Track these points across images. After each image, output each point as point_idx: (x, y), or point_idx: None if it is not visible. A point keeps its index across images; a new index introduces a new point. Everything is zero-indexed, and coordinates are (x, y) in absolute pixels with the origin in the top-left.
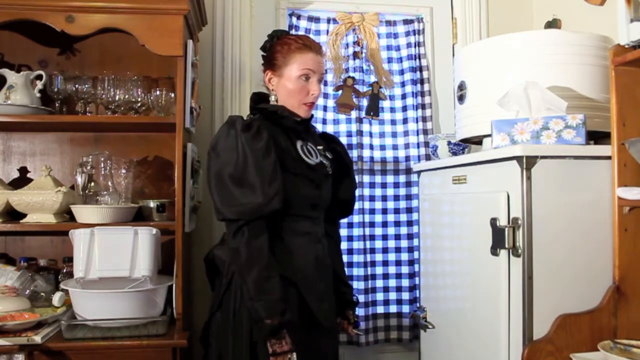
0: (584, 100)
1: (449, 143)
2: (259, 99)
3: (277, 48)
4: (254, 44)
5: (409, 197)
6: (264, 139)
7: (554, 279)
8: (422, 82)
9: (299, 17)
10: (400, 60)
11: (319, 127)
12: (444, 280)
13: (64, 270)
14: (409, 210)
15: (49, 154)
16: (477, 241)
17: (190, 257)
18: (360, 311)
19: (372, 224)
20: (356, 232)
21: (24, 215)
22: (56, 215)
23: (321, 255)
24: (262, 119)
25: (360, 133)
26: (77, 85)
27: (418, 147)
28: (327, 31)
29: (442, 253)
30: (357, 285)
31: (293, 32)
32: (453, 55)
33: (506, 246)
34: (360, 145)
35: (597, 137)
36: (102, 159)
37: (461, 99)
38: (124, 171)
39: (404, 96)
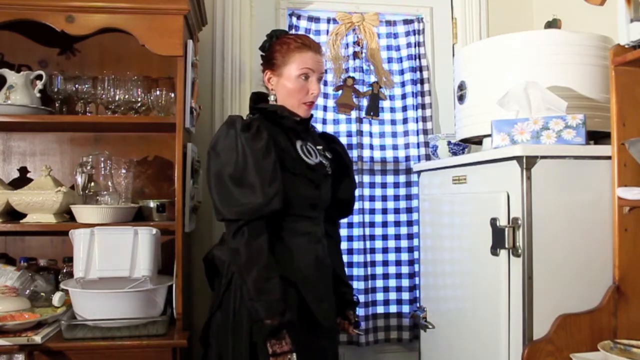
0: (584, 100)
1: (449, 143)
2: (259, 99)
3: (276, 48)
4: (254, 44)
5: (409, 197)
6: (263, 138)
7: (554, 279)
8: (422, 82)
9: (299, 17)
10: (400, 60)
11: (319, 127)
12: (444, 280)
13: (64, 270)
14: (409, 210)
15: (49, 154)
16: (477, 241)
17: (190, 257)
18: (360, 311)
19: (372, 224)
20: (356, 232)
21: (24, 215)
22: (56, 215)
23: (321, 255)
24: (261, 118)
25: (360, 133)
26: (77, 85)
27: (418, 147)
28: (327, 31)
29: (442, 253)
30: (357, 285)
31: (293, 32)
32: (453, 55)
33: (506, 246)
34: (360, 145)
35: (597, 137)
36: (102, 159)
37: (461, 99)
38: (124, 171)
39: (404, 96)
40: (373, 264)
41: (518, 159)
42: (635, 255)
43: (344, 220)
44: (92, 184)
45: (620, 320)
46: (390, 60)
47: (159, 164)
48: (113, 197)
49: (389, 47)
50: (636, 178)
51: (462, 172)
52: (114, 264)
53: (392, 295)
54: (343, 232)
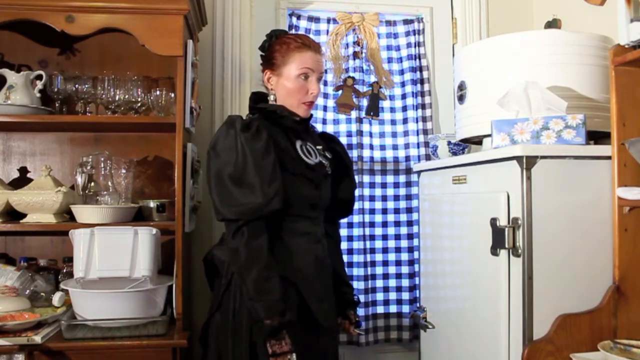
0: (584, 100)
1: (449, 143)
2: (258, 99)
3: (275, 47)
4: (254, 44)
5: (409, 197)
6: (263, 138)
7: (554, 279)
8: (422, 82)
9: (299, 17)
10: (400, 60)
11: (319, 127)
12: (444, 280)
13: (64, 270)
14: (409, 210)
15: (49, 154)
16: (477, 241)
17: (190, 257)
18: (360, 311)
19: (372, 224)
20: (356, 232)
21: (24, 215)
22: (56, 215)
23: (321, 255)
24: (261, 118)
25: (360, 133)
26: (77, 85)
27: (418, 147)
28: (327, 31)
29: (442, 253)
30: (357, 285)
31: (293, 32)
32: (453, 55)
33: (506, 246)
34: (360, 145)
35: (597, 137)
36: (102, 159)
37: (461, 99)
38: (124, 171)
39: (404, 96)
40: (373, 264)
41: (518, 159)
42: (635, 255)
43: (344, 220)
44: (92, 184)
45: (620, 320)
46: (390, 60)
47: (159, 164)
48: (113, 197)
49: (389, 47)
50: (636, 178)
51: (462, 172)
52: (114, 264)
53: (392, 295)
54: (343, 232)
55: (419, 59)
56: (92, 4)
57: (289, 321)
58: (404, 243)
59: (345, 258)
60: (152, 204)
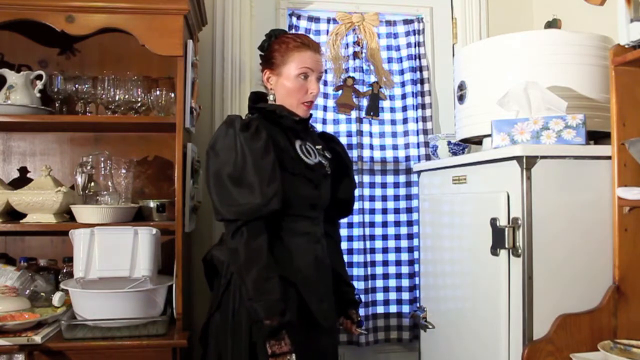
0: (584, 100)
1: (449, 143)
2: (258, 99)
3: (275, 47)
4: (254, 44)
5: (409, 197)
6: (262, 138)
7: (554, 279)
8: (422, 82)
9: (299, 17)
10: (400, 60)
11: (319, 127)
12: (444, 280)
13: (64, 270)
14: (409, 210)
15: (49, 154)
16: (477, 241)
17: (190, 257)
18: (360, 311)
19: (372, 224)
20: (356, 232)
21: (24, 215)
22: (56, 215)
23: (320, 255)
24: (260, 118)
25: (360, 133)
26: (77, 85)
27: (418, 147)
28: (327, 31)
29: (442, 253)
30: (357, 285)
31: (292, 32)
32: (453, 55)
33: (506, 246)
34: (360, 145)
35: (597, 137)
36: (102, 159)
37: (461, 99)
38: (124, 171)
39: (404, 96)
40: (373, 264)
41: (518, 159)
42: (635, 255)
43: (344, 220)
44: (92, 184)
45: (620, 320)
46: (390, 60)
47: (159, 164)
48: (113, 197)
49: (389, 47)
50: (636, 178)
51: (462, 172)
52: (114, 264)
53: (392, 295)
54: (343, 232)
55: (419, 59)
56: (92, 4)
57: (288, 321)
58: (404, 243)
59: (345, 258)
60: (152, 204)
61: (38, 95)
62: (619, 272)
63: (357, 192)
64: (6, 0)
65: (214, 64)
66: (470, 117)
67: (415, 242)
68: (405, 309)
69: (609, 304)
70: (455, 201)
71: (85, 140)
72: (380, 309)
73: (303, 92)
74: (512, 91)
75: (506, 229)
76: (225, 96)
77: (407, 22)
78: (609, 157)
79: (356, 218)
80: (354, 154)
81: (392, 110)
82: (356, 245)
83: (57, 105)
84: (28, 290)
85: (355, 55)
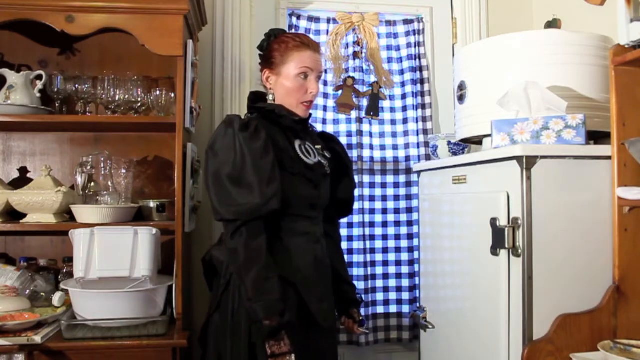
0: (584, 100)
1: (449, 143)
2: (257, 98)
3: (274, 47)
4: (254, 44)
5: (409, 197)
6: (262, 138)
7: (554, 279)
8: (422, 82)
9: (299, 17)
10: (400, 60)
11: (319, 127)
12: (444, 280)
13: (64, 270)
14: (409, 210)
15: (49, 154)
16: (477, 241)
17: (190, 257)
18: (360, 311)
19: (372, 224)
20: (356, 232)
21: (24, 215)
22: (56, 215)
23: (320, 255)
24: (260, 118)
25: (360, 133)
26: (77, 85)
27: (418, 147)
28: (327, 31)
29: (442, 253)
30: (357, 285)
31: (292, 32)
32: (453, 55)
33: (506, 246)
34: (360, 145)
35: (597, 137)
36: (102, 159)
37: (461, 99)
38: (124, 171)
39: (404, 96)
40: (373, 264)
41: (518, 159)
42: (635, 255)
43: (344, 220)
44: (92, 184)
45: (620, 320)
46: (390, 60)
47: (159, 164)
48: (113, 197)
49: (389, 47)
50: (636, 178)
51: (462, 172)
52: (114, 264)
53: (392, 295)
54: (343, 232)
55: (419, 59)
56: (92, 4)
57: (288, 322)
58: (404, 243)
59: (345, 258)
60: (152, 204)
61: (38, 95)
62: (619, 272)
63: (357, 192)
64: (6, 0)
65: (214, 64)
66: (470, 117)
67: (415, 242)
68: (405, 309)
69: (609, 304)
70: (455, 201)
71: (85, 140)
72: (380, 309)
73: (302, 92)
74: (512, 91)
75: (506, 229)
76: (225, 96)
77: (407, 22)
78: (609, 157)
79: (356, 218)
80: (354, 154)
81: (392, 110)
82: (356, 245)
83: (57, 105)
84: (28, 290)
85: (355, 55)
